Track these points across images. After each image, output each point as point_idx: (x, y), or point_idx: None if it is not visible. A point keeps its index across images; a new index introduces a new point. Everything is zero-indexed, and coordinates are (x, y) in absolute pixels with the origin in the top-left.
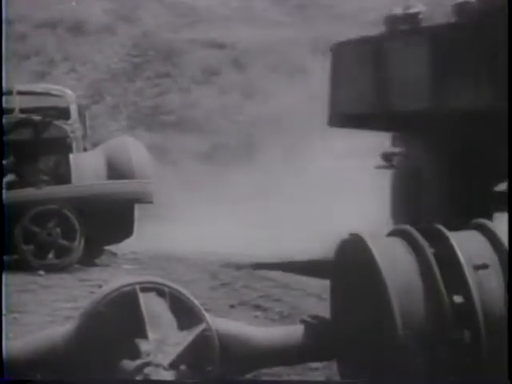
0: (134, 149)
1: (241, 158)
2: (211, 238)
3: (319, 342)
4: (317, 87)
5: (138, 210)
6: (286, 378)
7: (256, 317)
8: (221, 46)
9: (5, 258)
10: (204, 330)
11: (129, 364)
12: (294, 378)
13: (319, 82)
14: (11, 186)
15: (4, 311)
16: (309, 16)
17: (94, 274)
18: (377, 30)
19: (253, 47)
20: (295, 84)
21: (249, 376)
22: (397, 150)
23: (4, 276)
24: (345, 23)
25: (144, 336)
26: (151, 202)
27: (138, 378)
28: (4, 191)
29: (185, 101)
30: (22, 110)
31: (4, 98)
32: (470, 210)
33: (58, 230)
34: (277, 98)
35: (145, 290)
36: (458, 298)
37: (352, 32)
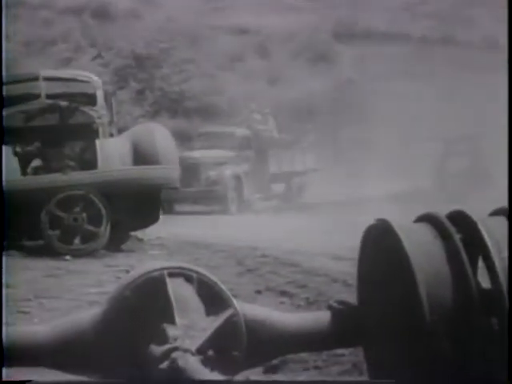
0: (159, 135)
1: None
2: (237, 224)
3: (346, 327)
4: (340, 73)
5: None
6: (311, 363)
7: (282, 303)
8: (245, 32)
9: (31, 243)
10: (231, 316)
11: (156, 349)
12: (320, 363)
13: (342, 68)
14: (37, 171)
15: (31, 296)
16: (331, 1)
17: (120, 259)
18: (399, 15)
19: (276, 33)
20: (318, 70)
21: (275, 361)
22: None
23: (30, 261)
24: (368, 9)
25: (172, 321)
26: (176, 188)
27: (166, 362)
28: (30, 176)
29: (209, 87)
30: (49, 96)
31: (30, 84)
32: None
33: (84, 215)
34: (299, 84)
35: (173, 275)
36: (485, 284)
37: (375, 17)
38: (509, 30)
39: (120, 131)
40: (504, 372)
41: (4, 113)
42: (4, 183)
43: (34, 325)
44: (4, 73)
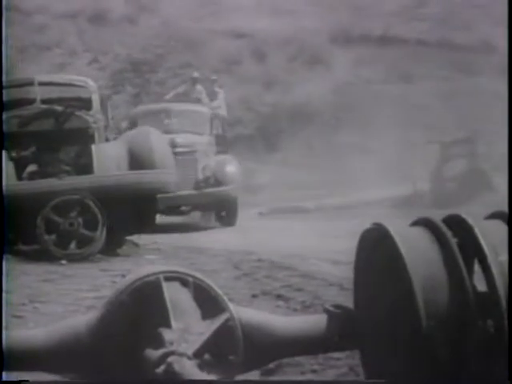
0: (154, 139)
1: (260, 148)
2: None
3: (342, 331)
4: (336, 77)
5: None
6: (308, 367)
7: (278, 306)
8: (241, 36)
9: (27, 248)
10: (227, 320)
11: (152, 353)
12: (316, 367)
13: (338, 72)
14: (33, 176)
15: (25, 301)
16: (328, 6)
17: (116, 264)
18: (396, 19)
19: (273, 37)
20: (315, 74)
21: (271, 365)
22: None
23: (26, 265)
24: (364, 13)
25: (168, 325)
26: (172, 193)
27: (162, 367)
28: (26, 181)
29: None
30: (44, 101)
31: (25, 89)
32: None
33: (80, 219)
34: (296, 88)
35: (169, 279)
36: (482, 288)
37: (371, 22)
38: (509, 32)
39: (116, 136)
40: (501, 375)
41: None
42: (8, 187)
43: (30, 329)
44: (4, 77)
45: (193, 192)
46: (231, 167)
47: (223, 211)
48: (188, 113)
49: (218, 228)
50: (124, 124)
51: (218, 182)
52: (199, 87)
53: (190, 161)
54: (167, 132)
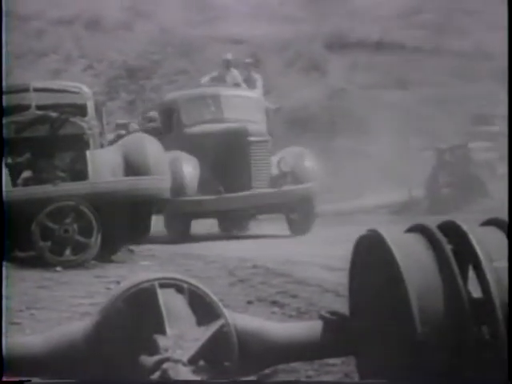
0: (150, 146)
1: None
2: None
3: (338, 337)
4: (332, 83)
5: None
6: (303, 373)
7: (273, 313)
8: (237, 42)
9: (22, 254)
10: (222, 326)
11: (147, 360)
12: (311, 373)
13: (334, 78)
14: (27, 182)
15: (22, 307)
16: (325, 12)
17: (111, 270)
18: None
19: (269, 43)
20: (311, 80)
21: (266, 371)
22: None
23: (22, 272)
24: (360, 18)
25: (163, 332)
26: (167, 199)
27: (157, 373)
28: (21, 188)
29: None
30: (39, 107)
31: (20, 95)
32: None
33: (75, 226)
34: (293, 93)
35: (164, 285)
36: (477, 295)
37: (367, 27)
38: (509, 30)
39: (111, 142)
40: (497, 382)
41: None
42: (6, 193)
43: (26, 335)
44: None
45: (269, 190)
46: (310, 162)
47: (296, 214)
48: (240, 99)
49: (289, 237)
50: (151, 113)
51: (296, 179)
52: (235, 72)
53: (263, 153)
54: (216, 121)
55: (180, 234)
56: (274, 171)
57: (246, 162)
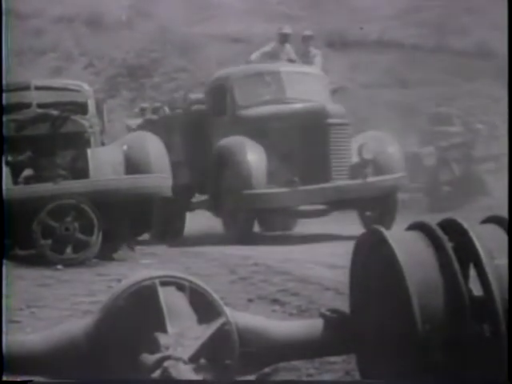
0: (151, 143)
1: None
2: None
3: (338, 335)
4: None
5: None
6: (304, 371)
7: (274, 311)
8: (236, 41)
9: (23, 252)
10: (223, 324)
11: (148, 358)
12: (312, 371)
13: (334, 76)
14: (28, 180)
15: (22, 306)
16: (324, 10)
17: (112, 268)
18: (392, 24)
19: (268, 42)
20: None
21: (267, 369)
22: None
23: (22, 270)
24: (359, 17)
25: (163, 330)
26: (169, 197)
27: (158, 371)
28: (21, 186)
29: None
30: (40, 105)
31: (21, 93)
32: None
33: (76, 224)
34: None
35: (165, 283)
36: (477, 293)
37: (367, 26)
38: (509, 31)
39: (112, 140)
40: (497, 380)
41: None
42: (4, 192)
43: (27, 334)
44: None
45: (354, 182)
46: (394, 148)
47: (377, 210)
48: (303, 76)
49: None
50: (193, 96)
51: (378, 169)
52: (289, 47)
53: (343, 138)
54: (277, 101)
55: (242, 233)
56: (353, 159)
57: (324, 149)
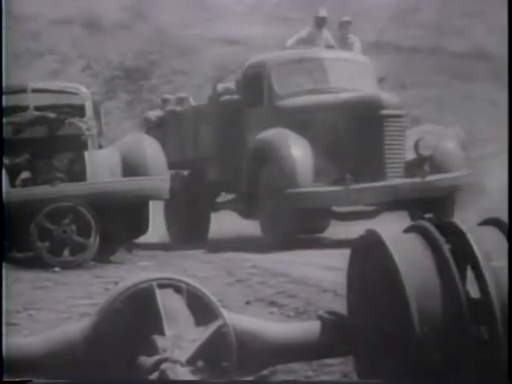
0: (148, 146)
1: None
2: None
3: (336, 337)
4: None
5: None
6: (302, 373)
7: (272, 313)
8: (234, 43)
9: (20, 255)
10: (221, 326)
11: (146, 360)
12: (310, 373)
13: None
14: (26, 183)
15: (20, 308)
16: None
17: (110, 271)
18: (389, 26)
19: (266, 44)
20: None
21: (265, 372)
22: None
23: (20, 272)
24: (358, 20)
25: (161, 332)
26: (166, 199)
27: (155, 373)
28: (19, 188)
29: (199, 97)
30: (37, 108)
31: (18, 96)
32: None
33: (73, 227)
34: None
35: (162, 286)
36: (475, 295)
37: (365, 27)
38: (509, 31)
39: (110, 142)
40: (495, 382)
41: None
42: (4, 194)
43: (25, 336)
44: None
45: (412, 181)
46: (453, 143)
47: (433, 212)
48: (348, 63)
49: None
50: (224, 85)
51: (436, 167)
52: (326, 32)
53: (398, 132)
54: (322, 91)
55: (285, 236)
56: (408, 155)
57: (378, 143)
